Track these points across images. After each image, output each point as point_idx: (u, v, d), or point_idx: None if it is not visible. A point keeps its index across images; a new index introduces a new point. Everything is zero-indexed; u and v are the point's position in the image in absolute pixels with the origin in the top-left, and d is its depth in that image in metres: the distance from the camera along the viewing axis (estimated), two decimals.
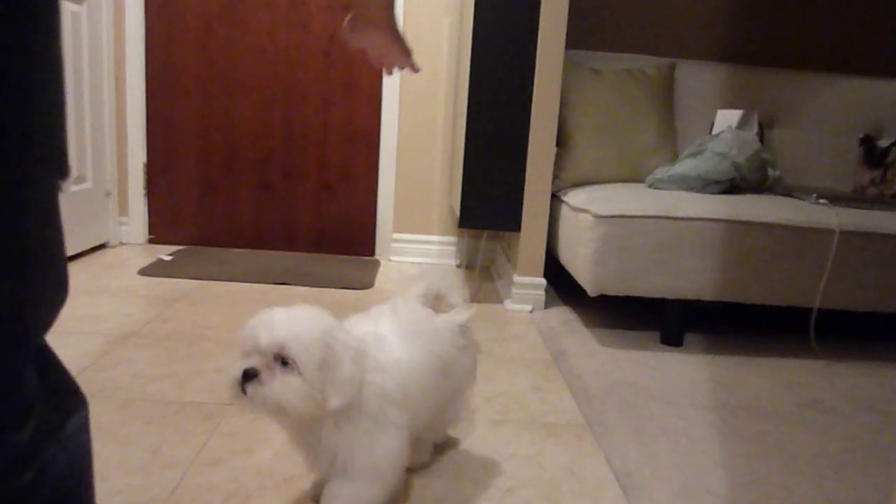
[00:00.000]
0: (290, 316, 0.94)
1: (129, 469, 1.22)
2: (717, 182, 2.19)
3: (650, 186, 2.28)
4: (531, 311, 2.34)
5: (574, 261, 2.11)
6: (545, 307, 2.37)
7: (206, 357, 1.76)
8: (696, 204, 1.99)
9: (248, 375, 0.90)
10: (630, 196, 2.06)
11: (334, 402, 0.91)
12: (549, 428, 1.48)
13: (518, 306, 2.36)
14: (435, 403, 1.13)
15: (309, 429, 0.98)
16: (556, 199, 2.36)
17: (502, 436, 1.44)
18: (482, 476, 1.27)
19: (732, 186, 2.22)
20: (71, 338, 1.83)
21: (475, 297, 2.50)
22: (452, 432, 1.40)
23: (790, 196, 2.27)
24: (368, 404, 0.97)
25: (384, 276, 2.74)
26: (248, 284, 2.48)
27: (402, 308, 1.13)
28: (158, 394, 1.53)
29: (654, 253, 1.96)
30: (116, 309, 2.11)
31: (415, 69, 1.05)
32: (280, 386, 0.89)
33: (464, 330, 1.20)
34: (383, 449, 0.99)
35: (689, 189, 2.20)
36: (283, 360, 0.90)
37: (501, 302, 2.45)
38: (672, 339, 2.08)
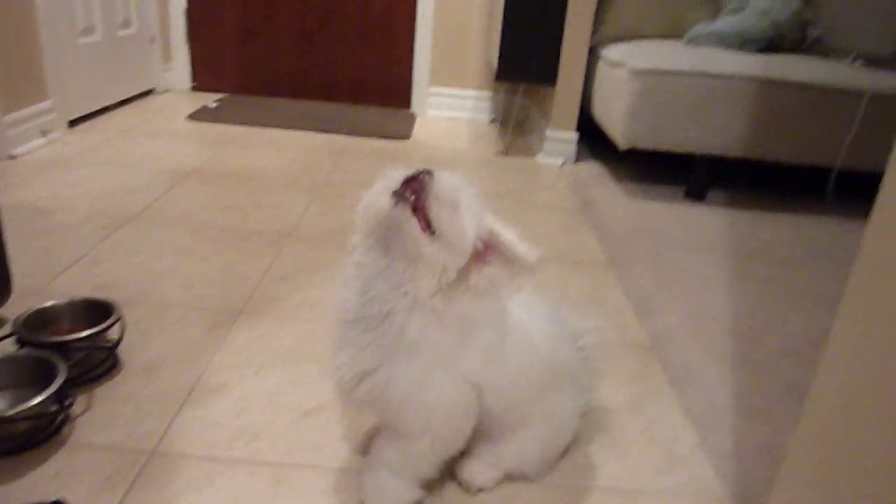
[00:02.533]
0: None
1: (208, 282, 1.41)
2: (755, 40, 2.20)
3: (688, 43, 2.30)
4: (562, 165, 2.45)
5: (608, 115, 2.19)
6: (576, 161, 2.48)
7: (263, 193, 1.92)
8: (730, 61, 2.03)
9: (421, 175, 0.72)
10: (667, 52, 2.10)
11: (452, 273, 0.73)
12: (574, 263, 1.65)
13: (550, 160, 2.47)
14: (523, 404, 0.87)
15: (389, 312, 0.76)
16: (593, 54, 2.39)
17: None
18: None
19: (770, 45, 2.23)
20: (137, 173, 1.99)
21: (508, 151, 2.60)
22: None
23: (827, 57, 2.28)
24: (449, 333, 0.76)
25: (421, 129, 2.84)
26: (291, 131, 2.60)
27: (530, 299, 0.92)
28: (226, 222, 1.70)
29: (686, 109, 2.02)
30: (174, 150, 2.25)
31: None
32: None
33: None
34: (436, 394, 0.77)
35: (727, 47, 2.22)
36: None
37: (534, 156, 2.56)
38: (696, 194, 2.19)
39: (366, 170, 2.22)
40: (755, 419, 1.10)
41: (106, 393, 1.04)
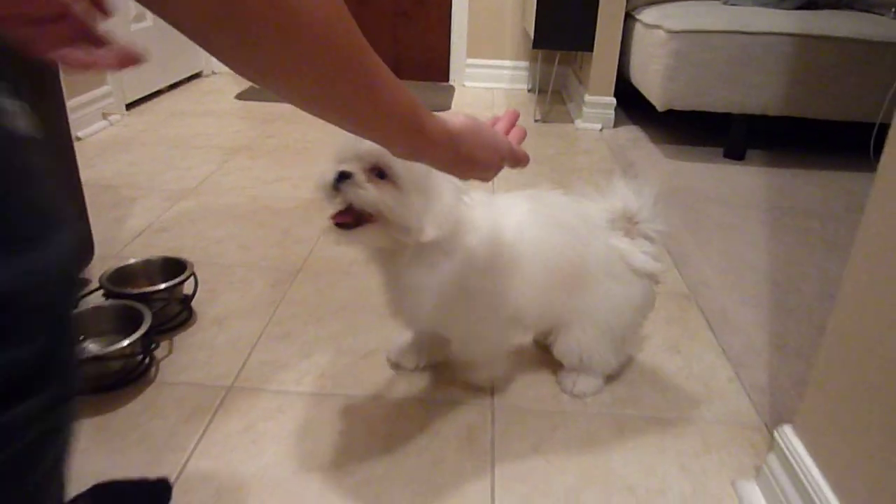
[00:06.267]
0: None
1: (267, 244, 1.50)
2: None
3: (725, 3, 2.30)
4: (601, 130, 2.48)
5: (645, 77, 2.21)
6: (614, 126, 2.51)
7: (312, 164, 2.01)
8: (768, 19, 2.04)
9: (344, 176, 0.82)
10: (703, 12, 2.11)
11: (429, 231, 0.84)
12: None
13: (588, 125, 2.50)
14: (552, 307, 0.99)
15: (391, 264, 0.91)
16: (629, 17, 2.41)
17: None
18: None
19: (809, 2, 2.22)
20: (191, 152, 2.10)
21: (546, 119, 2.64)
22: None
23: (869, 11, 2.26)
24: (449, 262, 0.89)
25: (459, 100, 2.90)
26: None
27: (546, 195, 1.00)
28: (278, 192, 1.80)
29: (724, 68, 2.04)
30: (224, 127, 2.36)
31: None
32: (377, 191, 0.82)
33: (632, 254, 0.99)
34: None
35: (765, 5, 2.21)
36: (380, 173, 0.82)
37: (573, 122, 2.59)
38: (735, 154, 2.20)
39: None
40: (789, 357, 1.15)
41: (183, 341, 1.14)
